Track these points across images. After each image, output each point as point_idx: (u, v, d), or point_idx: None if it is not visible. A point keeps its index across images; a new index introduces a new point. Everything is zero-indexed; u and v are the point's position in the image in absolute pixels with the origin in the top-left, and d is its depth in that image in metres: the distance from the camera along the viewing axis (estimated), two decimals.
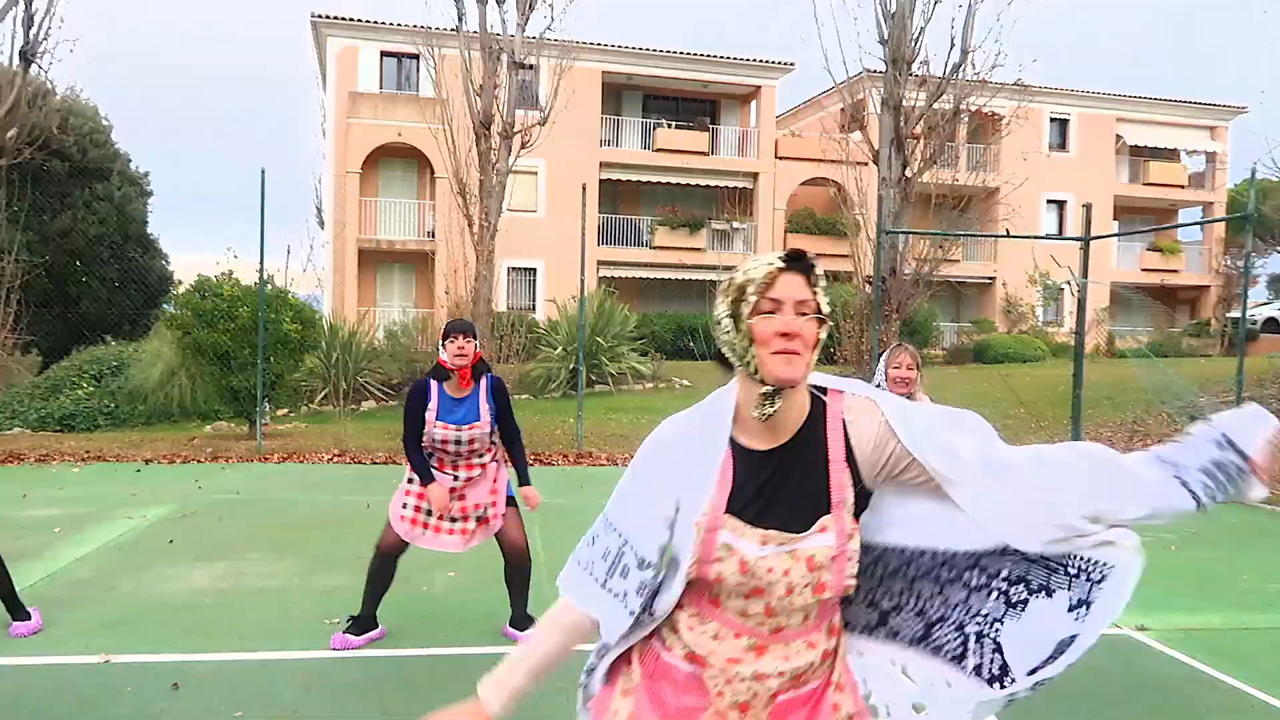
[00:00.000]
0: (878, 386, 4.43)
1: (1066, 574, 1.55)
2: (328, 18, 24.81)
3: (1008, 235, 12.75)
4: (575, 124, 26.94)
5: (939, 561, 1.67)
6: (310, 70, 28.89)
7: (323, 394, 16.64)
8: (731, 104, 30.04)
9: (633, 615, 1.60)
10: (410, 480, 4.31)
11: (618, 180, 28.03)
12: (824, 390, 1.66)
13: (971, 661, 1.64)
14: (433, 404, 4.16)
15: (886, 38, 12.67)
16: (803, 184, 28.43)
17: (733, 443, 1.62)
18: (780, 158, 28.69)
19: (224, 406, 13.02)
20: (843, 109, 13.55)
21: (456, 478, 4.27)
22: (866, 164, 13.83)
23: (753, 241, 28.72)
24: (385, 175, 25.78)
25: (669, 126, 28.39)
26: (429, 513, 4.27)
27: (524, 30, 12.82)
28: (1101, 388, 14.88)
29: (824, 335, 1.57)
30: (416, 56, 22.92)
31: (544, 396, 18.69)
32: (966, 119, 14.52)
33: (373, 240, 24.96)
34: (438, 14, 11.86)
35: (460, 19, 12.58)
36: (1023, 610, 1.58)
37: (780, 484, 1.59)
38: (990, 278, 29.41)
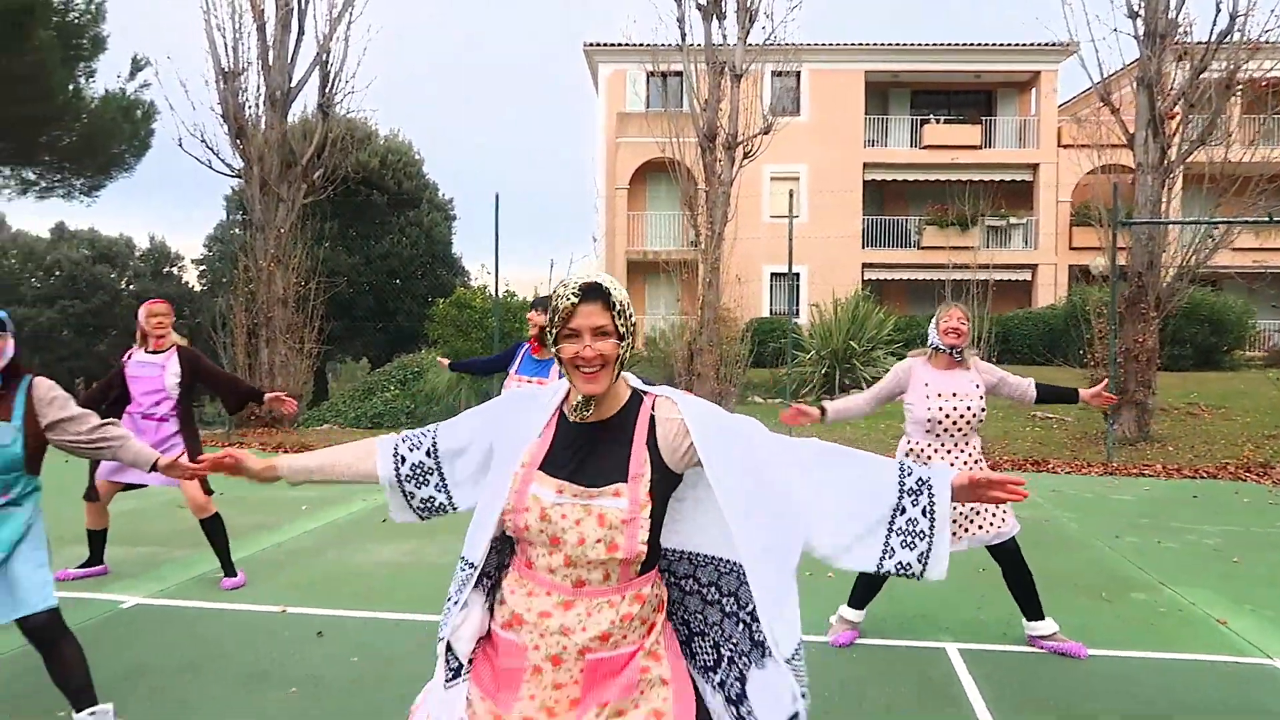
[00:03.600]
0: (931, 343, 4.40)
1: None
2: (598, 45, 26.49)
3: (1270, 221, 11.04)
4: (837, 127, 26.73)
5: (710, 580, 1.92)
6: (585, 94, 30.91)
7: None
8: (1009, 93, 28.29)
9: (394, 461, 2.08)
10: None
11: (883, 181, 27.41)
12: (644, 392, 1.95)
13: (717, 677, 1.88)
14: (515, 362, 4.75)
15: (1138, 9, 11.54)
16: (1089, 173, 26.15)
17: (560, 414, 1.94)
18: (1064, 146, 26.59)
19: None
20: (1101, 95, 12.47)
21: None
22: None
23: (1033, 237, 26.87)
24: (652, 189, 27.03)
25: (937, 122, 27.33)
26: None
27: (744, 44, 13.13)
28: None
29: (626, 350, 1.86)
30: (679, 74, 24.03)
31: (800, 400, 18.85)
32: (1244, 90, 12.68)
33: (640, 251, 26.29)
34: (673, 33, 12.53)
35: (682, 36, 13.15)
36: (764, 659, 1.82)
37: (589, 450, 1.87)
38: None
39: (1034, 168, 26.78)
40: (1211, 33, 11.35)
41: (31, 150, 16.45)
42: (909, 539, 1.81)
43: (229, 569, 5.50)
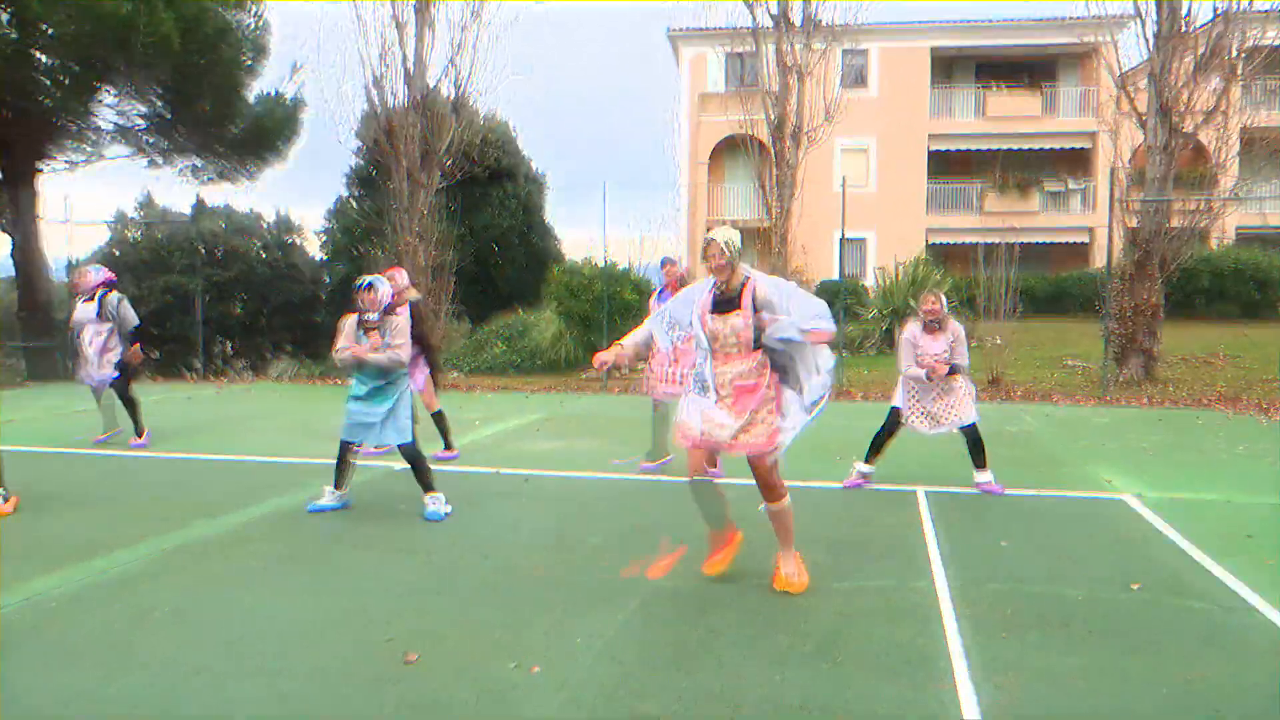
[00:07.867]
0: (920, 317, 6.84)
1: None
2: (682, 30, 28.80)
3: (1236, 197, 12.99)
4: (903, 100, 28.64)
5: (782, 349, 4.54)
6: (671, 76, 33.29)
7: None
8: (1070, 62, 29.71)
9: (668, 339, 4.70)
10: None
11: (947, 150, 29.22)
12: (748, 275, 4.61)
13: (796, 386, 4.53)
14: (657, 295, 7.44)
15: (1141, 13, 13.51)
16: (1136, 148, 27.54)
17: (712, 289, 4.62)
18: (1123, 113, 27.99)
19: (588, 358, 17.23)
20: (1118, 84, 14.58)
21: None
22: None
23: (1092, 201, 28.44)
24: (729, 161, 29.38)
25: (1000, 91, 28.97)
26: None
27: (809, 47, 15.49)
28: None
29: (732, 260, 4.48)
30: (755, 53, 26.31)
31: (860, 354, 21.36)
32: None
33: (719, 220, 28.73)
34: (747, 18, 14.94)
35: (755, 34, 15.59)
36: (809, 377, 4.48)
37: (725, 299, 4.55)
38: None
39: (1093, 135, 28.27)
40: (1211, 33, 13.31)
41: (210, 144, 19.73)
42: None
43: (449, 444, 8.39)
